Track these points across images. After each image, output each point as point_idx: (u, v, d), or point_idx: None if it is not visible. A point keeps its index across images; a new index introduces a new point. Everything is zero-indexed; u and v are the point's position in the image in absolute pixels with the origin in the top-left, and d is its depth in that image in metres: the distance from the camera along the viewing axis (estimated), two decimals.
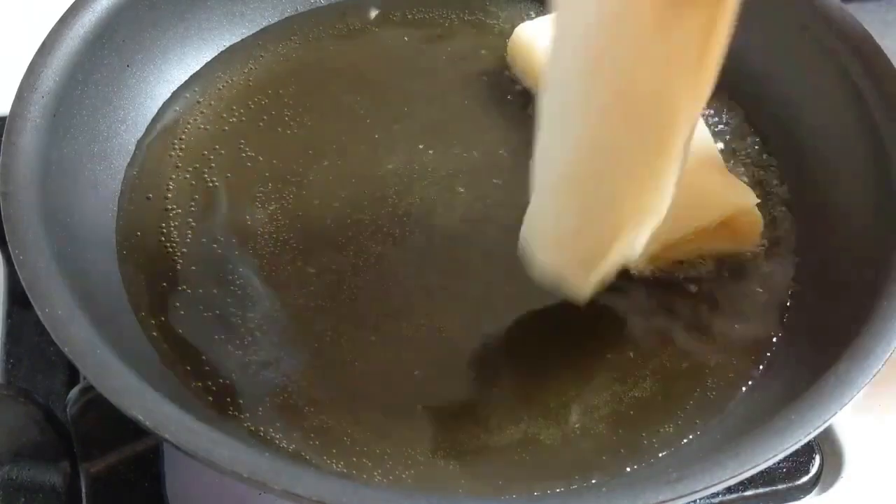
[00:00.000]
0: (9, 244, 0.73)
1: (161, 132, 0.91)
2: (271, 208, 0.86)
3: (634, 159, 0.66)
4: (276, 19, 1.00)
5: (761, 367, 0.79)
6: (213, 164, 0.89)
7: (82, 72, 0.85)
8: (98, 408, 0.70)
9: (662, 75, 0.61)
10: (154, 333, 0.78)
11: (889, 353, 0.71)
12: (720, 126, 0.93)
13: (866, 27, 0.88)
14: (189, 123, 0.92)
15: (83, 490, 0.71)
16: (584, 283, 0.75)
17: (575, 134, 0.66)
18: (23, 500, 0.70)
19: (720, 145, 0.91)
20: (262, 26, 1.00)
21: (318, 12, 1.01)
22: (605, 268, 0.73)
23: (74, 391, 0.73)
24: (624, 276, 0.82)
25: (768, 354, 0.80)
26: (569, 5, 0.61)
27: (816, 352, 0.76)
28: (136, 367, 0.72)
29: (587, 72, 0.62)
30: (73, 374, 0.85)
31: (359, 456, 0.73)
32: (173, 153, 0.89)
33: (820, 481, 0.83)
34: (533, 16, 1.01)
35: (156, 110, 0.92)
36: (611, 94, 0.62)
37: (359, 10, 1.00)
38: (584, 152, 0.66)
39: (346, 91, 0.95)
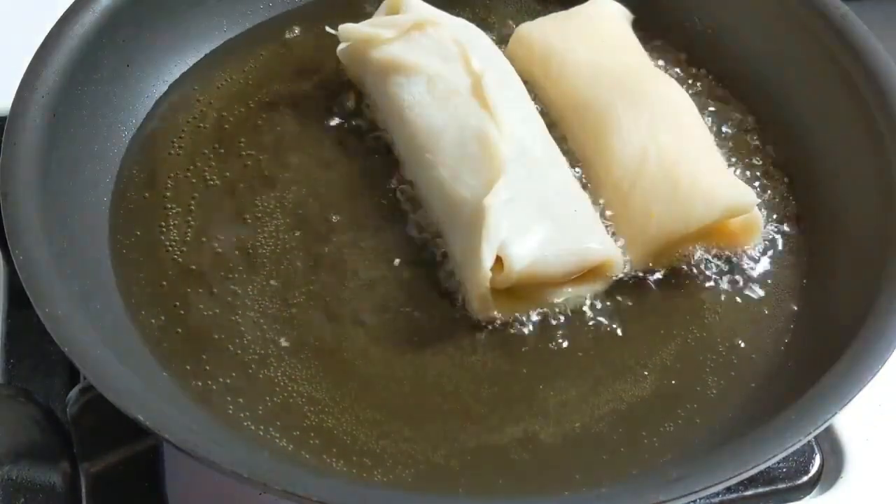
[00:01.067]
0: (9, 244, 0.73)
1: (160, 131, 0.91)
2: (271, 207, 0.86)
3: None
4: (276, 16, 1.00)
5: (762, 366, 0.79)
6: (212, 163, 0.89)
7: (82, 72, 0.85)
8: (98, 408, 0.70)
9: None
10: (154, 333, 0.78)
11: (889, 353, 0.71)
12: (722, 126, 0.93)
13: (867, 27, 0.88)
14: (188, 122, 0.92)
15: (83, 490, 0.71)
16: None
17: None
18: (23, 500, 0.70)
19: (721, 145, 0.91)
20: (261, 24, 1.00)
21: (318, 9, 1.01)
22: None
23: (74, 391, 0.73)
24: (625, 275, 0.83)
25: (769, 354, 0.80)
26: None
27: (817, 352, 0.76)
28: (136, 367, 0.72)
29: None
30: (73, 374, 0.85)
31: (359, 455, 0.73)
32: (172, 152, 0.89)
33: (820, 481, 0.83)
34: (530, 15, 1.01)
35: (155, 109, 0.92)
36: None
37: (359, 6, 1.00)
38: None
39: (348, 88, 0.95)
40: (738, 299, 0.83)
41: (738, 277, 0.84)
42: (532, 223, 0.79)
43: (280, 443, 0.73)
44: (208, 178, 0.88)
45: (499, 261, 0.77)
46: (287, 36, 0.99)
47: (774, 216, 0.88)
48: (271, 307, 0.80)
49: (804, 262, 0.85)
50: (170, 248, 0.83)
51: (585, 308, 0.81)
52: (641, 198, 0.83)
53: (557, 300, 0.81)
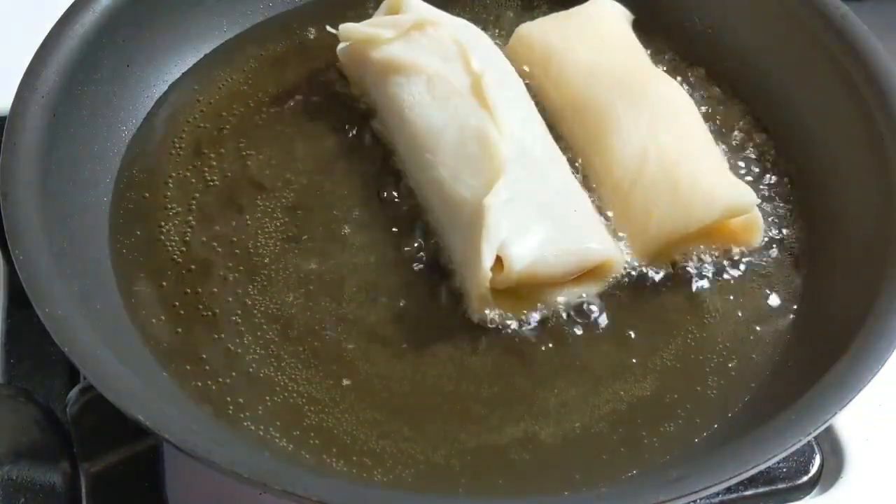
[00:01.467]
0: (9, 244, 0.73)
1: (160, 131, 0.90)
2: (271, 206, 0.86)
3: None
4: (276, 15, 1.00)
5: (762, 366, 0.79)
6: (212, 163, 0.89)
7: (82, 72, 0.85)
8: (98, 408, 0.70)
9: None
10: (154, 333, 0.78)
11: (889, 353, 0.71)
12: (722, 126, 0.93)
13: (867, 27, 0.88)
14: (188, 122, 0.92)
15: (83, 490, 0.71)
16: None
17: None
18: (23, 500, 0.70)
19: (722, 145, 0.91)
20: (261, 24, 1.00)
21: (318, 9, 1.01)
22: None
23: (74, 391, 0.73)
24: (625, 275, 0.83)
25: (769, 353, 0.80)
26: None
27: (817, 352, 0.76)
28: (136, 367, 0.72)
29: None
30: (73, 374, 0.85)
31: (359, 455, 0.73)
32: (173, 152, 0.89)
33: (820, 481, 0.83)
34: (530, 15, 1.01)
35: (155, 109, 0.92)
36: None
37: (360, 6, 1.00)
38: None
39: (348, 88, 0.95)
40: (738, 299, 0.83)
41: (738, 277, 0.84)
42: (532, 223, 0.79)
43: (280, 443, 0.73)
44: (208, 178, 0.88)
45: (499, 261, 0.77)
46: (287, 35, 0.99)
47: (774, 216, 0.88)
48: (271, 307, 0.80)
49: (804, 262, 0.85)
50: (170, 248, 0.83)
51: (585, 308, 0.81)
52: (641, 198, 0.83)
53: (557, 300, 0.81)
